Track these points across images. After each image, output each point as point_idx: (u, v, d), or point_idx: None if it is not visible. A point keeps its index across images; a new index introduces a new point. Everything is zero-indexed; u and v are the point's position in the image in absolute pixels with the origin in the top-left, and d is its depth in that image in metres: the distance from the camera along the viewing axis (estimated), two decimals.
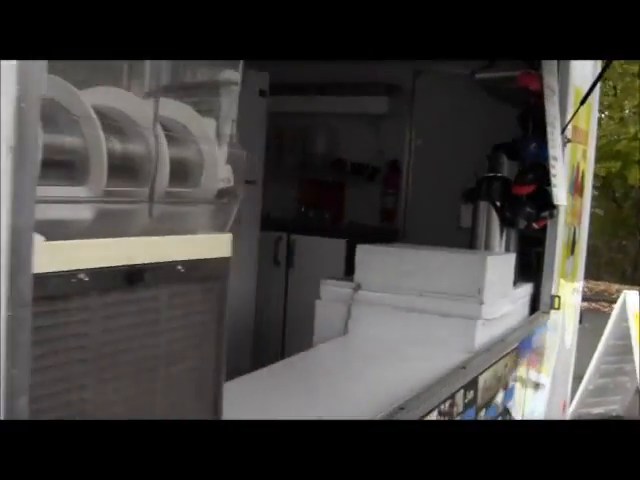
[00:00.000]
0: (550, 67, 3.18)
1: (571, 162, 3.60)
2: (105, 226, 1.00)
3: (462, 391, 2.35)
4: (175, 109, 1.20)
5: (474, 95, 4.11)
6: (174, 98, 1.23)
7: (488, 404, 2.68)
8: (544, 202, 3.10)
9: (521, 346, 3.07)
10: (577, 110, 3.33)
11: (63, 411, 0.94)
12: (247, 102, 3.91)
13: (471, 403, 2.44)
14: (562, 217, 3.43)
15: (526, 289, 3.37)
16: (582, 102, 3.32)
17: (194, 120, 1.21)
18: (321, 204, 5.00)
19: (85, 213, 0.99)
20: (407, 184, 4.85)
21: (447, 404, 2.22)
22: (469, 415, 2.42)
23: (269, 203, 4.89)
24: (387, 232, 4.77)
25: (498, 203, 3.18)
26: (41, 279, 0.84)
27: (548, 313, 3.36)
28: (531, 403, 3.40)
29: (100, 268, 0.94)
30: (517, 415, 3.10)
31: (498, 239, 3.22)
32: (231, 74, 1.42)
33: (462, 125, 4.53)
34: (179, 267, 1.07)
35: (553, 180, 3.08)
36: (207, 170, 1.19)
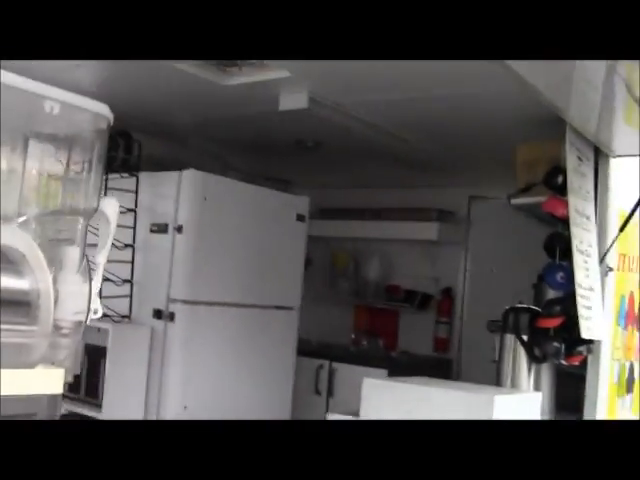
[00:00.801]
0: (582, 191, 3.00)
1: (618, 292, 3.31)
2: None
3: None
4: (17, 237, 1.17)
5: (527, 220, 3.94)
6: (35, 225, 1.20)
7: None
8: (577, 336, 2.83)
9: None
10: (616, 237, 3.10)
11: None
12: (285, 227, 3.94)
13: None
14: (608, 352, 3.13)
15: None
16: (621, 229, 3.09)
17: (33, 250, 1.17)
18: (374, 331, 4.86)
19: None
20: (462, 312, 4.64)
21: None
22: None
23: (317, 328, 4.81)
24: (440, 363, 4.54)
25: (525, 337, 2.94)
26: None
27: None
28: None
29: None
30: None
31: (526, 376, 2.96)
32: (109, 202, 1.37)
33: (516, 251, 4.34)
34: None
35: (585, 312, 2.82)
36: (42, 302, 1.13)
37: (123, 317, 3.29)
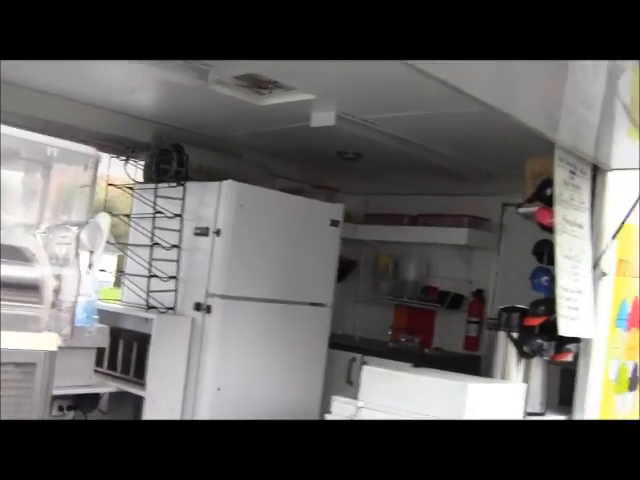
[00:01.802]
0: (574, 202, 3.27)
1: (618, 296, 3.55)
2: None
3: None
4: (29, 241, 1.64)
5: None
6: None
7: None
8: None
9: None
10: (609, 244, 3.34)
11: None
12: (319, 231, 4.35)
13: None
14: (601, 350, 3.38)
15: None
16: (614, 236, 3.34)
17: (39, 250, 1.64)
18: (412, 329, 5.20)
19: None
20: (491, 313, 4.92)
21: None
22: None
23: (361, 325, 5.22)
24: (469, 359, 4.84)
25: (515, 334, 3.25)
26: None
27: None
28: None
29: None
30: None
31: (515, 370, 3.26)
32: (103, 216, 1.83)
33: None
34: None
35: (569, 313, 3.09)
36: (45, 286, 1.59)
37: (168, 309, 3.79)
